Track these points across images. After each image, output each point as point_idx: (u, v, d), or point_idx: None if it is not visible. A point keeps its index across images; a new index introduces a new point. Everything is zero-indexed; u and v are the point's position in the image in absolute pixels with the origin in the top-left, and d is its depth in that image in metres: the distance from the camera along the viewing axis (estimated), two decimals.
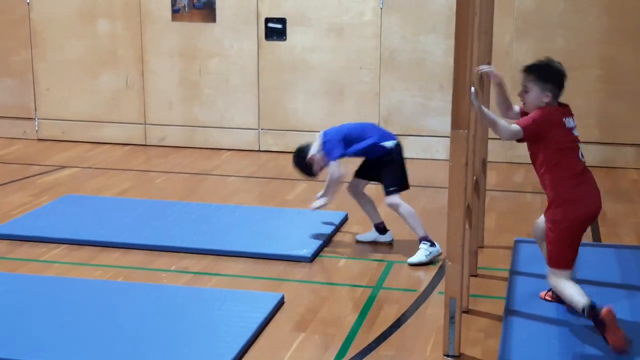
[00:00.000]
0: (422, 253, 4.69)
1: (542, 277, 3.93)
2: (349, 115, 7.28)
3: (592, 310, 3.47)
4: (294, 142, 7.46)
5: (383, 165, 4.81)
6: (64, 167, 6.79)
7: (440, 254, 4.71)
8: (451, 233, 3.50)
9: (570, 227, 3.67)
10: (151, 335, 3.71)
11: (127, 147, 7.56)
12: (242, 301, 4.06)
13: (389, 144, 4.81)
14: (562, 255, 3.69)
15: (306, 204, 5.81)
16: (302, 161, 4.94)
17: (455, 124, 3.45)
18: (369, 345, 3.69)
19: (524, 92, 3.70)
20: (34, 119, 7.82)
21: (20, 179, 6.38)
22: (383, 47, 7.16)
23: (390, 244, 5.00)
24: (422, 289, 4.35)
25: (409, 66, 7.15)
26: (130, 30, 7.51)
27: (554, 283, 3.73)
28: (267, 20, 7.30)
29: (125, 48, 7.55)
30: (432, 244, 4.72)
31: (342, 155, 4.81)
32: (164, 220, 5.32)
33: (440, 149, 7.07)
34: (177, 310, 3.97)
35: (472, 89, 3.52)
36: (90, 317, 3.87)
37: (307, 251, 4.76)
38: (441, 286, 4.26)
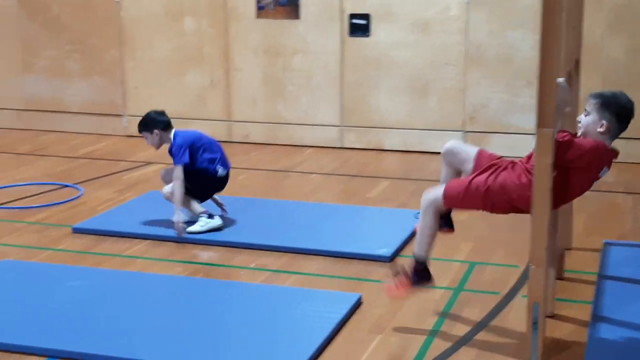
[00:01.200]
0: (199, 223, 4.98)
1: (633, 281, 3.76)
2: (433, 112, 7.17)
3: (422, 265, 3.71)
4: (376, 140, 7.44)
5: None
6: (149, 163, 6.89)
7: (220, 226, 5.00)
8: (535, 236, 3.37)
9: (494, 198, 3.57)
10: (228, 333, 3.71)
11: None
12: (319, 301, 4.02)
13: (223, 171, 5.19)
14: (458, 193, 3.61)
15: (388, 203, 5.76)
16: (147, 121, 5.20)
17: (541, 122, 3.32)
18: (448, 348, 3.60)
19: (585, 115, 3.58)
20: (123, 115, 7.98)
21: (107, 175, 6.50)
22: (469, 42, 7.00)
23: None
24: (505, 291, 4.22)
25: (496, 62, 6.97)
26: (215, 27, 7.57)
27: (423, 204, 3.71)
28: (352, 16, 7.24)
29: (210, 46, 7.61)
30: (211, 216, 5.02)
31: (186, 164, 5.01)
32: (245, 217, 5.33)
33: (530, 147, 6.86)
34: (254, 308, 3.96)
35: (561, 80, 3.39)
36: (169, 313, 3.90)
37: (386, 250, 4.69)
38: (526, 289, 4.12)
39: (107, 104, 8.01)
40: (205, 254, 4.76)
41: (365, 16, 7.20)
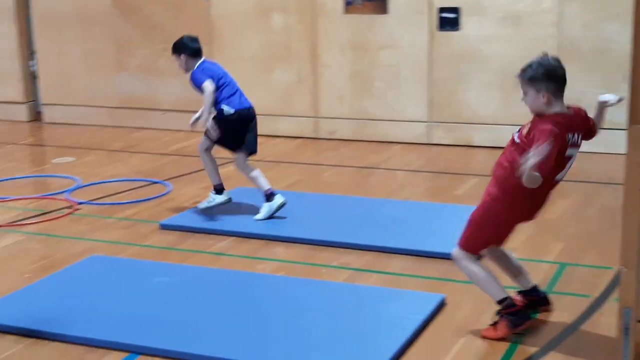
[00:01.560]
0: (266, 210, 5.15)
1: None
2: (525, 107, 6.94)
3: (507, 301, 3.56)
4: (465, 136, 7.28)
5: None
6: None
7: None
8: (626, 236, 3.21)
9: (497, 220, 3.57)
10: (309, 331, 3.68)
11: (299, 140, 7.64)
12: (401, 301, 3.95)
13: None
14: (474, 236, 3.65)
15: (476, 200, 5.61)
16: (178, 44, 5.38)
17: (634, 119, 3.17)
18: (534, 353, 3.48)
19: (522, 98, 3.55)
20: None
21: (195, 172, 6.58)
22: (562, 36, 6.78)
23: (227, 202, 5.36)
24: (596, 294, 4.05)
25: (591, 56, 6.73)
26: (303, 24, 7.56)
27: (460, 265, 3.69)
28: (441, 10, 7.11)
29: (298, 42, 7.61)
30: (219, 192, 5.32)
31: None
32: (329, 214, 5.30)
33: (624, 143, 6.58)
34: (335, 307, 3.92)
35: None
36: (252, 311, 3.90)
37: None
38: (617, 292, 3.94)
39: (197, 102, 8.08)
40: (288, 252, 4.75)
41: (455, 10, 7.06)
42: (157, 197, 5.90)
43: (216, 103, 5.25)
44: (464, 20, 7.06)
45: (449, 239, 4.73)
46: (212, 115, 5.21)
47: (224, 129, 5.22)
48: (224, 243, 4.92)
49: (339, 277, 4.35)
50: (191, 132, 7.94)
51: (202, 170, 6.57)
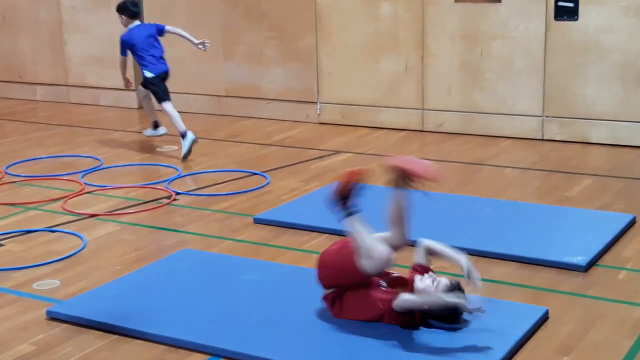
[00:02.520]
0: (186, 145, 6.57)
1: None
2: None
3: None
4: (582, 131, 6.86)
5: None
6: (338, 152, 6.78)
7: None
8: None
9: None
10: (401, 341, 3.47)
11: (403, 133, 7.39)
12: (500, 312, 3.68)
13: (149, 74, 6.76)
14: None
15: (589, 203, 5.26)
16: (120, 4, 6.83)
17: None
18: None
19: None
20: (316, 102, 7.92)
21: (296, 163, 6.46)
22: None
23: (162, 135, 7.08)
24: None
25: None
26: (412, 12, 7.29)
27: None
28: None
29: (406, 31, 7.35)
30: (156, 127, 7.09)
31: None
32: (428, 213, 5.02)
33: None
34: None
35: None
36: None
37: (581, 259, 4.24)
38: None
39: (301, 91, 7.99)
40: None
41: None
42: (255, 189, 5.79)
43: (141, 66, 6.80)
44: (583, 9, 6.62)
45: (557, 246, 4.45)
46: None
47: (149, 86, 6.78)
48: (317, 240, 4.75)
49: None
50: (294, 122, 7.92)
51: (302, 162, 6.49)
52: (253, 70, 8.15)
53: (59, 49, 9.06)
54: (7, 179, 6.21)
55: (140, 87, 6.91)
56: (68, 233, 4.98)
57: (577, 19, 6.66)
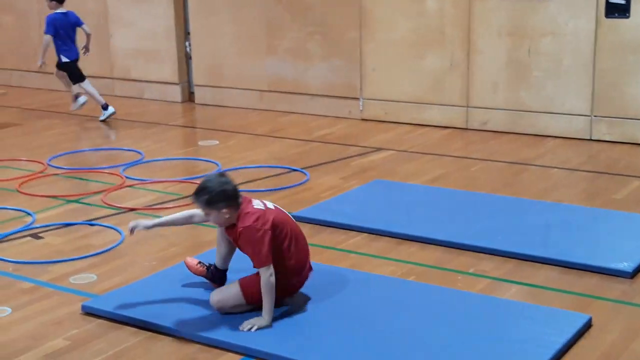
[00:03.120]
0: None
1: None
2: None
3: None
4: (631, 132, 6.66)
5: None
6: (380, 149, 6.69)
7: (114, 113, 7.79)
8: None
9: None
10: (436, 345, 3.39)
11: (447, 131, 7.26)
12: (541, 319, 3.57)
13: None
14: None
15: (637, 207, 5.09)
16: None
17: None
18: None
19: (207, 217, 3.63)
20: (359, 98, 7.83)
21: (337, 160, 6.38)
22: None
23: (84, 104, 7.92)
24: None
25: None
26: (458, 8, 7.16)
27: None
28: None
29: (452, 27, 7.22)
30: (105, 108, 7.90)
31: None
32: (470, 214, 4.94)
33: None
34: (467, 321, 3.59)
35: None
36: (373, 318, 3.65)
37: (628, 265, 4.10)
38: None
39: (344, 87, 7.90)
40: (422, 253, 4.44)
41: None
42: (294, 186, 5.73)
43: (57, 50, 7.67)
44: (635, 6, 6.43)
45: (603, 251, 4.31)
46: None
47: (67, 69, 7.73)
48: (355, 240, 4.68)
49: (475, 287, 4.01)
50: (336, 118, 7.84)
51: (343, 159, 6.41)
52: (296, 65, 8.09)
53: (105, 41, 9.10)
54: (49, 171, 6.25)
55: (57, 70, 7.84)
56: (107, 227, 4.97)
57: (628, 17, 6.47)
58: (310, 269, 3.78)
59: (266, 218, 3.56)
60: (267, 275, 3.49)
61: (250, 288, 3.61)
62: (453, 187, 5.56)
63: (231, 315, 3.64)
